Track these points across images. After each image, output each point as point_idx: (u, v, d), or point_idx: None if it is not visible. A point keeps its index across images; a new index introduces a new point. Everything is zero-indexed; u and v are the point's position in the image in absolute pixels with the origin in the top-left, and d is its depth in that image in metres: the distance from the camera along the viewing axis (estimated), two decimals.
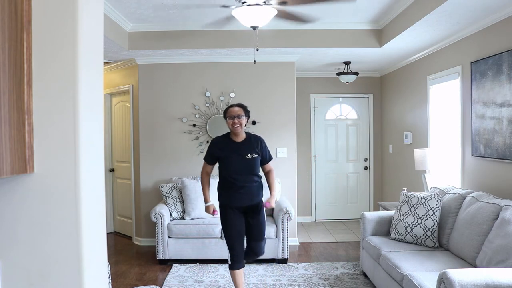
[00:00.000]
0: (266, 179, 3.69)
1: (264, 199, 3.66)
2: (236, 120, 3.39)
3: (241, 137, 3.50)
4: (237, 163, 3.44)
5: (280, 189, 5.45)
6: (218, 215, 3.61)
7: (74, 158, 1.11)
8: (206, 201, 3.60)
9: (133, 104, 5.72)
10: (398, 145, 6.28)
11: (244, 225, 3.55)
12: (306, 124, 7.02)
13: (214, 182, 4.16)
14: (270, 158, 3.65)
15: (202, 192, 3.70)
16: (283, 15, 3.94)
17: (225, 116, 3.50)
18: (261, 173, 3.62)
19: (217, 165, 3.63)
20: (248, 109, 3.56)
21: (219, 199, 3.59)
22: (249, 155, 3.44)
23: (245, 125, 3.51)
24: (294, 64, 5.65)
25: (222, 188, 3.55)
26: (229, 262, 3.55)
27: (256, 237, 3.59)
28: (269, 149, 3.70)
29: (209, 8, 4.19)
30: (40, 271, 1.10)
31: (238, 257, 3.50)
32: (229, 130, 3.55)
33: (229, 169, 3.46)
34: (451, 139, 4.68)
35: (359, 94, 7.10)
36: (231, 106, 3.50)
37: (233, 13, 3.69)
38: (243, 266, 3.58)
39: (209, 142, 3.61)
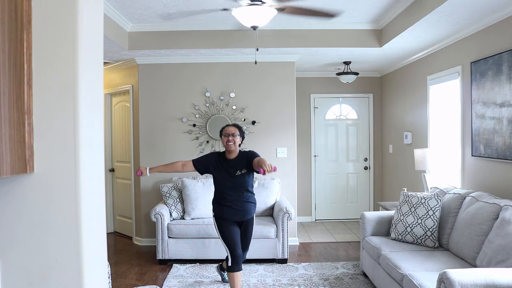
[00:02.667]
0: (254, 165, 3.45)
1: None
2: (230, 138, 3.55)
3: (235, 154, 3.64)
4: (227, 180, 3.61)
5: (280, 189, 5.46)
6: (140, 174, 3.59)
7: (74, 158, 1.11)
8: (150, 167, 3.66)
9: (133, 104, 5.72)
10: (398, 145, 6.28)
11: (239, 232, 3.71)
12: (306, 124, 7.02)
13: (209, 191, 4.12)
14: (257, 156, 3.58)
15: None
16: (300, 12, 4.08)
17: (220, 135, 3.67)
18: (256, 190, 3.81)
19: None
20: (244, 130, 3.71)
21: (213, 211, 3.75)
22: (238, 171, 3.58)
23: (239, 145, 3.65)
24: (294, 64, 5.65)
25: (216, 202, 3.72)
26: (229, 264, 3.61)
27: (243, 247, 3.74)
28: (261, 155, 3.67)
29: (209, 8, 4.19)
30: (40, 271, 1.10)
31: (239, 259, 3.60)
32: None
33: (221, 185, 3.65)
34: (451, 139, 4.68)
35: (359, 94, 7.10)
36: (227, 125, 3.70)
37: (233, 13, 3.70)
38: (241, 269, 3.66)
39: (209, 152, 3.75)
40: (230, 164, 3.60)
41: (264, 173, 3.13)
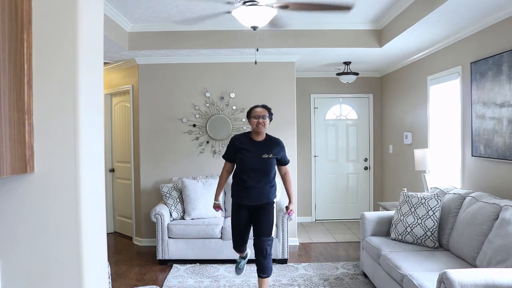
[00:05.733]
0: (284, 184, 3.79)
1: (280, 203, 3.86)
2: (260, 120, 3.51)
3: (262, 137, 3.61)
4: (252, 161, 3.53)
5: (280, 189, 5.45)
6: (220, 212, 3.70)
7: (74, 158, 1.11)
8: (215, 198, 3.83)
9: (133, 104, 5.72)
10: (398, 145, 6.28)
11: (249, 226, 3.71)
12: (306, 124, 7.02)
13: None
14: (287, 162, 3.76)
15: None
16: (305, 7, 3.95)
17: (248, 116, 3.61)
18: (277, 177, 3.81)
19: None
20: (272, 111, 3.67)
21: (232, 196, 3.74)
22: (265, 154, 3.53)
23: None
24: (294, 64, 5.65)
25: (235, 186, 3.67)
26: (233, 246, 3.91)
27: (263, 232, 3.59)
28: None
29: (209, 8, 4.19)
30: (40, 271, 1.10)
31: (238, 246, 3.83)
32: (249, 130, 3.71)
33: (244, 166, 3.55)
34: (451, 139, 4.68)
35: (359, 94, 7.10)
36: (256, 106, 3.62)
37: (233, 13, 3.70)
38: (244, 252, 3.94)
39: (229, 139, 3.73)
40: (258, 146, 3.56)
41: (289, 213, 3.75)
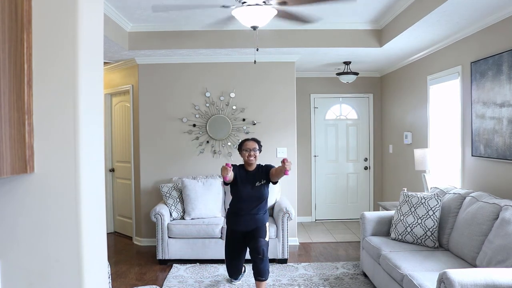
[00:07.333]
0: (276, 172, 3.66)
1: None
2: (252, 153, 3.75)
3: (253, 167, 3.83)
4: (248, 189, 3.76)
5: (280, 189, 5.45)
6: (230, 173, 3.53)
7: (74, 158, 1.11)
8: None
9: (133, 104, 5.72)
10: (398, 145, 6.28)
11: (243, 251, 3.93)
12: (306, 124, 7.02)
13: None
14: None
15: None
16: (283, 15, 4.00)
17: (240, 149, 3.83)
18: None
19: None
20: (261, 143, 3.92)
21: (226, 223, 4.00)
22: (257, 183, 3.77)
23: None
24: (294, 64, 5.65)
25: (230, 213, 3.91)
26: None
27: (257, 235, 3.75)
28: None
29: (209, 8, 4.19)
30: (40, 271, 1.10)
31: (232, 271, 4.02)
32: (242, 163, 3.91)
33: (239, 195, 3.78)
34: (451, 139, 4.68)
35: (359, 94, 7.10)
36: (246, 140, 3.85)
37: (233, 13, 3.70)
38: (237, 279, 4.17)
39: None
40: (251, 176, 3.79)
41: (287, 173, 3.39)
